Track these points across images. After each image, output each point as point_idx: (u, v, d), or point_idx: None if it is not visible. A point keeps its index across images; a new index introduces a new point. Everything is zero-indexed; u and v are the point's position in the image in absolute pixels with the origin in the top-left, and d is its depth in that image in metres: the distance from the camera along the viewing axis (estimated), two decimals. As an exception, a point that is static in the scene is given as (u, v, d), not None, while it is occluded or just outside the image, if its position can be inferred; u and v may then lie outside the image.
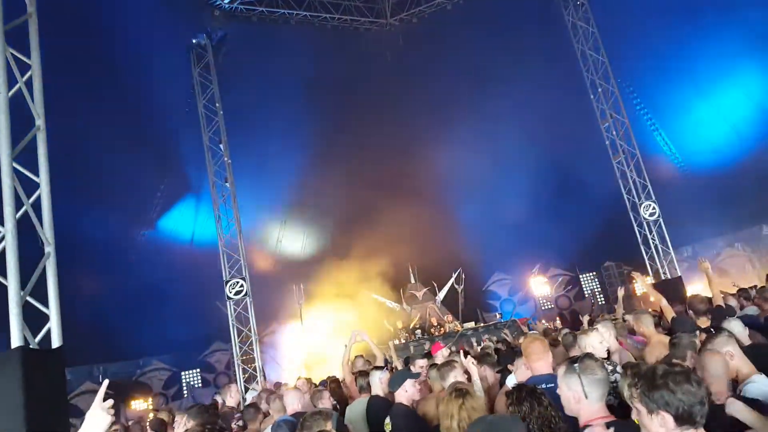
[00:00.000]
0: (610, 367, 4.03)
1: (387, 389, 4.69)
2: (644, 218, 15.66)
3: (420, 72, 18.98)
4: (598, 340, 4.45)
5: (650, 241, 15.67)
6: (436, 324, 16.90)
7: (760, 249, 18.41)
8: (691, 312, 5.82)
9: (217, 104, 15.30)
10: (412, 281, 18.87)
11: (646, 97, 19.14)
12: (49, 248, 4.97)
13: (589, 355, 2.76)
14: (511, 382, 4.31)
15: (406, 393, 4.25)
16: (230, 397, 7.23)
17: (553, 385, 3.42)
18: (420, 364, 5.75)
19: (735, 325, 4.42)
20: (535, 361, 3.82)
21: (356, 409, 5.07)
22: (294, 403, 5.09)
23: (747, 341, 4.21)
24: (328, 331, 18.60)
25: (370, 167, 19.16)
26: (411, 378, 4.33)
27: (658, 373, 2.00)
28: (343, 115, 18.40)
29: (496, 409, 4.31)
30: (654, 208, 15.63)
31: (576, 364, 2.65)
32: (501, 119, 18.17)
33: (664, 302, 6.34)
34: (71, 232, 14.75)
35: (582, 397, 2.55)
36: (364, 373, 5.68)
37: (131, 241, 17.80)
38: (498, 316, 18.61)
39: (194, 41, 15.78)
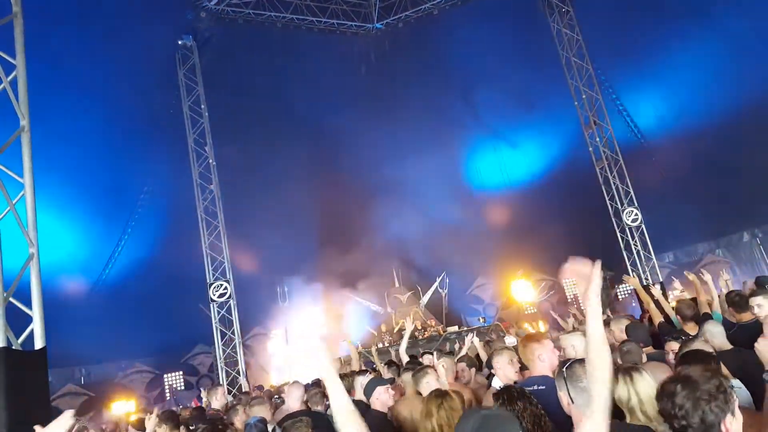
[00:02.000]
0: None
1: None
2: (627, 224, 15.84)
3: (406, 76, 19.07)
4: (580, 341, 4.51)
5: (632, 246, 15.86)
6: (420, 328, 16.94)
7: (741, 256, 18.72)
8: (678, 317, 5.87)
9: (202, 106, 15.25)
10: (396, 285, 18.90)
11: (630, 103, 19.41)
12: (33, 249, 4.94)
13: (580, 362, 2.76)
14: (496, 383, 4.36)
15: (378, 400, 4.35)
16: (216, 400, 7.22)
17: (544, 387, 3.49)
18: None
19: (715, 330, 4.47)
20: (534, 361, 3.87)
21: None
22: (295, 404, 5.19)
23: (727, 346, 4.27)
24: (312, 333, 18.59)
25: (355, 170, 19.20)
26: (380, 385, 4.44)
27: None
28: (328, 118, 18.41)
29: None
30: (636, 214, 15.82)
31: (564, 369, 2.69)
32: (486, 124, 18.33)
33: (652, 306, 6.43)
34: (55, 235, 14.74)
35: (569, 401, 2.59)
36: (343, 377, 5.72)
37: (115, 242, 17.67)
38: (481, 320, 18.70)
39: (180, 42, 15.70)
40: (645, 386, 2.88)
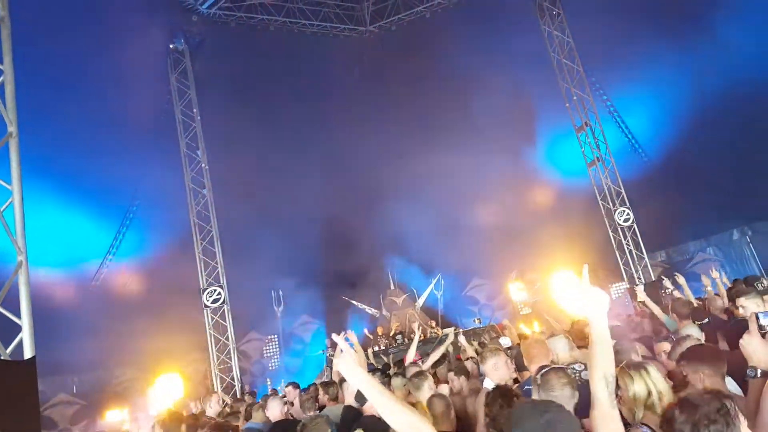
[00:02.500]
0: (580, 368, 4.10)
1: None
2: (618, 224, 15.92)
3: (398, 79, 19.07)
4: (567, 344, 4.51)
5: (624, 246, 15.94)
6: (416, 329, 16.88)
7: (731, 254, 18.82)
8: (674, 315, 5.89)
9: (194, 110, 15.18)
10: (392, 287, 18.87)
11: (621, 104, 19.52)
12: (21, 257, 4.88)
13: (555, 371, 2.77)
14: (488, 385, 4.34)
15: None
16: (210, 407, 7.16)
17: None
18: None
19: (692, 330, 4.59)
20: (537, 363, 3.88)
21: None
22: (276, 412, 5.12)
23: None
24: (306, 338, 18.55)
25: (348, 172, 19.16)
26: None
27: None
28: (321, 120, 18.39)
29: (469, 411, 4.35)
30: (628, 214, 15.92)
31: (539, 376, 2.73)
32: (478, 125, 18.34)
33: (657, 310, 6.46)
34: (46, 241, 14.63)
35: None
36: (330, 384, 5.69)
37: (107, 247, 17.55)
38: (477, 321, 18.68)
39: (171, 46, 15.63)
40: (660, 379, 2.89)
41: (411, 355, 6.64)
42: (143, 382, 18.04)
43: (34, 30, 11.97)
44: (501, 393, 2.95)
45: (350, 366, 2.25)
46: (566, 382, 2.70)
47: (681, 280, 7.30)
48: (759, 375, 2.51)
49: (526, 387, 3.69)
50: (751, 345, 2.62)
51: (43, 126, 14.10)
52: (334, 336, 2.54)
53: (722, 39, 16.52)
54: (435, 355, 6.60)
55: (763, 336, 2.60)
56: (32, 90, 13.16)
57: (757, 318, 2.65)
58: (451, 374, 5.37)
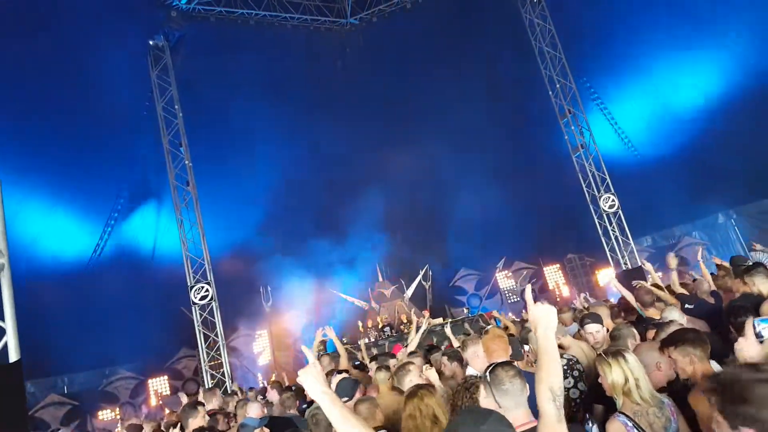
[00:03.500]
0: (565, 360, 4.15)
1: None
2: (604, 210, 16.02)
3: (381, 70, 19.05)
4: (559, 330, 4.55)
5: (611, 232, 16.05)
6: (405, 321, 16.96)
7: (716, 237, 19.02)
8: (638, 303, 5.91)
9: (176, 106, 15.04)
10: (380, 279, 18.92)
11: (603, 91, 19.61)
12: (3, 260, 4.84)
13: (502, 365, 2.78)
14: (470, 371, 4.38)
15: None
16: (212, 403, 7.12)
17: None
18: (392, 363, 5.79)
19: (674, 314, 4.63)
20: (496, 358, 3.88)
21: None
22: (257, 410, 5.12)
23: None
24: (296, 332, 18.56)
25: (332, 165, 19.17)
26: (358, 386, 4.51)
27: (743, 384, 1.70)
28: (303, 114, 18.33)
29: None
30: (613, 200, 16.02)
31: (487, 374, 2.74)
32: (461, 116, 18.38)
33: (630, 297, 6.46)
34: (30, 242, 14.52)
35: (496, 406, 2.61)
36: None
37: (93, 247, 17.42)
38: (465, 311, 18.79)
39: (151, 42, 15.46)
40: (638, 367, 2.93)
41: (414, 344, 6.65)
42: (134, 381, 18.07)
43: (12, 29, 11.84)
44: (467, 386, 2.95)
45: (311, 382, 2.23)
46: (514, 374, 2.69)
47: (672, 262, 7.19)
48: None
49: None
50: (746, 350, 2.65)
51: (25, 125, 13.99)
52: (303, 348, 2.54)
53: (709, 25, 16.65)
54: (411, 346, 6.62)
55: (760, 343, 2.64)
56: (13, 89, 13.08)
57: (755, 326, 2.68)
58: (444, 358, 5.38)
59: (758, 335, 2.67)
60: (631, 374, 2.91)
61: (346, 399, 4.47)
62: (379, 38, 18.63)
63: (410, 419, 3.01)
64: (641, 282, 7.40)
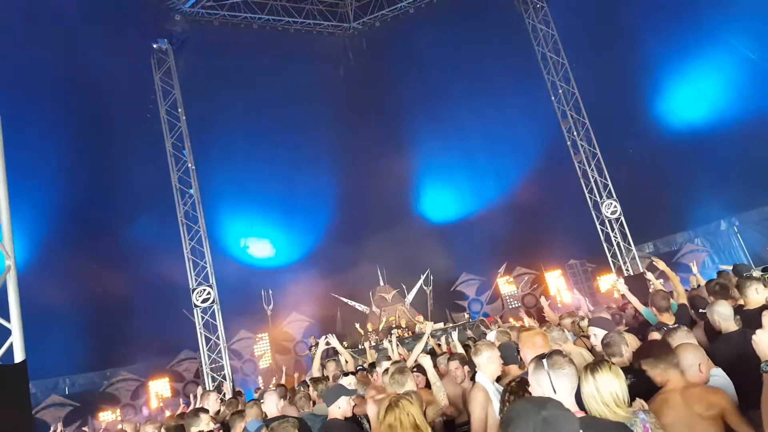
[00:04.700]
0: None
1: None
2: (606, 216, 16.01)
3: (384, 74, 19.10)
4: (600, 331, 4.59)
5: (612, 238, 16.05)
6: (405, 325, 16.97)
7: (718, 244, 18.97)
8: (653, 308, 5.91)
9: (179, 110, 15.11)
10: (381, 283, 18.92)
11: (605, 96, 19.60)
12: (9, 261, 4.88)
13: (557, 351, 2.81)
14: (480, 378, 4.37)
15: (339, 409, 4.37)
16: (209, 406, 7.14)
17: None
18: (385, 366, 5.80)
19: (724, 312, 4.48)
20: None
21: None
22: (272, 408, 5.18)
23: (733, 327, 4.33)
24: (297, 335, 18.58)
25: (335, 169, 19.20)
26: (346, 395, 4.45)
27: None
28: (306, 118, 18.39)
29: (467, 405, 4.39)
30: (615, 207, 16.01)
31: (544, 360, 2.73)
32: (464, 121, 18.42)
33: (636, 302, 6.46)
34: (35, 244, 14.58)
35: (552, 392, 2.62)
36: (318, 380, 5.72)
37: (95, 250, 17.46)
38: (466, 316, 18.78)
39: (155, 46, 15.53)
40: (606, 383, 2.85)
41: (417, 352, 6.62)
42: (135, 383, 18.11)
43: (15, 34, 11.92)
44: (523, 384, 2.98)
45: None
46: (569, 360, 2.74)
47: (660, 264, 7.23)
48: None
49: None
50: (764, 341, 2.68)
51: (27, 129, 14.05)
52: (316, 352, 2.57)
53: (710, 29, 16.65)
54: (416, 351, 6.61)
55: None
56: (16, 94, 13.14)
57: None
58: (455, 363, 5.35)
59: None
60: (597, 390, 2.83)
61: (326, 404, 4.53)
62: (382, 42, 18.70)
63: (389, 429, 3.06)
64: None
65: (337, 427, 4.26)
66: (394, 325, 16.75)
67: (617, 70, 18.20)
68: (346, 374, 6.03)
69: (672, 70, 17.75)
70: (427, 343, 7.12)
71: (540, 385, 2.69)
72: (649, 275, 7.56)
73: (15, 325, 4.75)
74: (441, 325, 17.19)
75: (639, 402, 3.11)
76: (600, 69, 17.65)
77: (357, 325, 17.21)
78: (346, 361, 7.04)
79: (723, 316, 4.38)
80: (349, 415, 4.46)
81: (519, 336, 4.57)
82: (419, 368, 5.52)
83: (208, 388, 13.37)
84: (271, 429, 3.84)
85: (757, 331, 2.75)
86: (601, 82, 17.83)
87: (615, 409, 2.74)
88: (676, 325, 4.38)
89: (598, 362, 2.95)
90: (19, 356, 4.70)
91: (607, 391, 2.77)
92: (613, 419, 2.71)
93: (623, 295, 7.16)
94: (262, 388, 13.19)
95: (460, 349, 6.43)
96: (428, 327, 7.64)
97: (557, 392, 2.61)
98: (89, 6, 14.40)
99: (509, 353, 4.67)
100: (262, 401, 5.65)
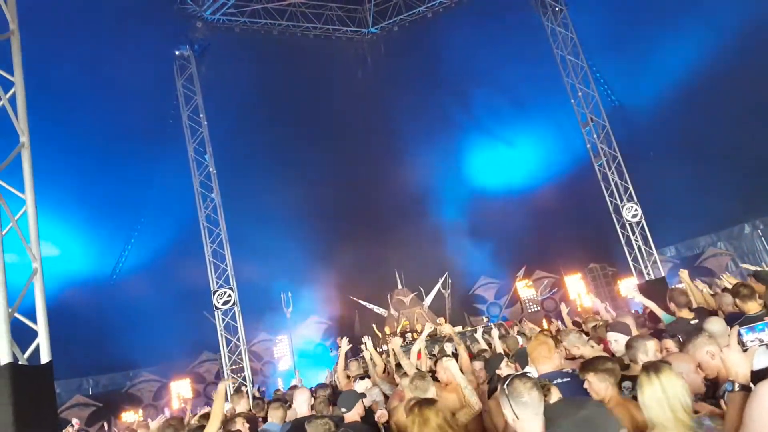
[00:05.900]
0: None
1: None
2: (627, 220, 15.84)
3: (402, 79, 19.17)
4: (623, 337, 4.53)
5: (633, 242, 15.86)
6: (420, 329, 16.95)
7: (742, 248, 18.69)
8: (672, 304, 5.87)
9: (201, 115, 15.32)
10: (399, 287, 18.93)
11: (627, 99, 19.46)
12: (36, 264, 5.00)
13: (519, 376, 2.71)
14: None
15: (357, 411, 4.58)
16: (240, 406, 7.23)
17: (569, 379, 3.60)
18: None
19: (716, 325, 4.38)
20: (541, 363, 3.88)
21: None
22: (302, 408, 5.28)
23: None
24: (315, 338, 18.66)
25: (354, 173, 19.29)
26: (361, 399, 4.68)
27: None
28: (325, 122, 18.52)
29: (486, 407, 4.40)
30: (636, 210, 15.82)
31: (505, 386, 2.66)
32: (482, 125, 18.41)
33: (654, 306, 6.40)
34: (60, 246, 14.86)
35: (514, 417, 2.57)
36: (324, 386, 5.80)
37: (119, 251, 17.78)
38: (485, 319, 18.71)
39: (177, 52, 15.78)
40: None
41: (416, 349, 6.67)
42: (157, 384, 18.34)
43: (42, 42, 12.18)
44: (541, 387, 2.96)
45: None
46: (532, 386, 2.60)
47: (684, 276, 7.12)
48: (737, 388, 2.48)
49: (562, 379, 3.69)
50: (730, 359, 2.59)
51: (53, 135, 14.33)
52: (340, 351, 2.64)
53: (729, 31, 16.45)
54: (414, 351, 6.61)
55: (744, 351, 2.61)
56: (41, 100, 13.41)
57: (740, 334, 2.66)
58: (478, 363, 5.43)
59: (743, 344, 2.63)
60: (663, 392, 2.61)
61: (344, 410, 4.57)
62: (401, 47, 18.78)
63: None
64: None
65: (358, 428, 4.34)
66: (408, 329, 16.74)
67: (637, 71, 18.12)
68: (362, 377, 6.19)
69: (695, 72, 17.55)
70: (453, 345, 7.16)
71: (504, 408, 2.64)
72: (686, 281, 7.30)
73: (41, 327, 4.85)
74: (459, 328, 17.16)
75: (707, 407, 2.87)
76: (621, 71, 17.57)
77: (374, 326, 17.24)
78: (375, 365, 7.12)
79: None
80: (363, 414, 4.61)
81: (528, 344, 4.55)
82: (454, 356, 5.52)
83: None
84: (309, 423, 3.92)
85: (724, 349, 2.68)
86: (621, 83, 17.76)
87: (682, 416, 2.45)
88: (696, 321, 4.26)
89: (657, 362, 2.73)
90: (45, 357, 4.81)
91: (674, 394, 2.49)
92: (673, 428, 2.44)
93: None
94: (282, 390, 13.27)
95: (500, 348, 6.38)
96: (446, 328, 7.62)
97: (519, 418, 2.55)
98: (113, 14, 14.71)
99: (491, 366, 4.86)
100: (287, 403, 5.72)
